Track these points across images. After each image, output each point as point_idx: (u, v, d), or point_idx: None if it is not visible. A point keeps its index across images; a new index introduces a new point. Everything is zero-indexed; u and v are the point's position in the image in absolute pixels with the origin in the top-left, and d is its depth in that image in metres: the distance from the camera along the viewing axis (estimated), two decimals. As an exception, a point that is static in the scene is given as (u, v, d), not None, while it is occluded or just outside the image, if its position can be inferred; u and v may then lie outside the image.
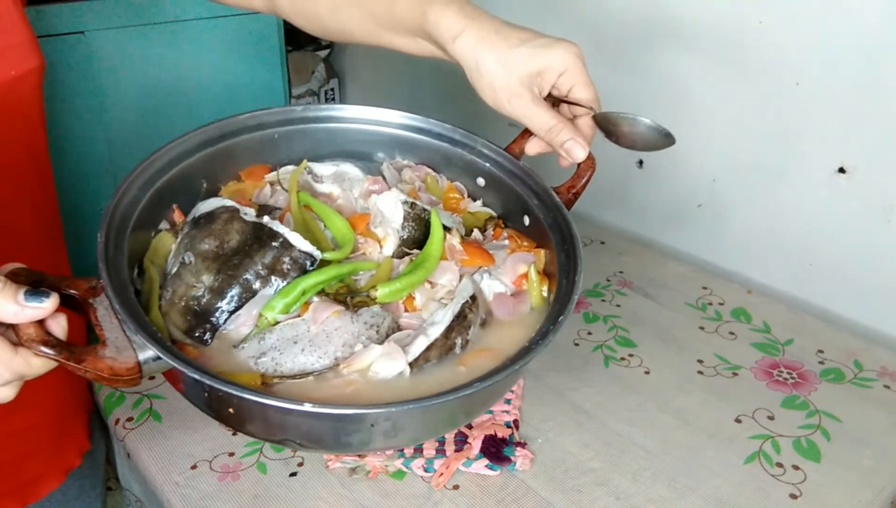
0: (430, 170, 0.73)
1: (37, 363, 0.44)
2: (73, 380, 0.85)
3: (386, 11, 0.68)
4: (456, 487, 0.72)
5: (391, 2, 0.67)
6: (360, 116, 0.72)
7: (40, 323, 0.43)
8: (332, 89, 2.01)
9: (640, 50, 1.19)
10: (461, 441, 0.76)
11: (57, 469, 0.82)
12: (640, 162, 1.25)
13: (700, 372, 0.89)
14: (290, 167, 0.69)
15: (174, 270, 0.57)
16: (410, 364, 0.53)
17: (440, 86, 1.61)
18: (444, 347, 0.55)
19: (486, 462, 0.74)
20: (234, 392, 0.46)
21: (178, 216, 0.62)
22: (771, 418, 0.81)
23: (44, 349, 0.43)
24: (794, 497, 0.71)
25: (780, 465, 0.74)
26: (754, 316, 1.00)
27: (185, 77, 1.67)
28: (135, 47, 1.57)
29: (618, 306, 1.03)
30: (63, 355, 0.43)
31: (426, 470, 0.73)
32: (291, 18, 0.78)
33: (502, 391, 0.58)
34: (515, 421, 0.79)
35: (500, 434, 0.76)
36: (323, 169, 0.69)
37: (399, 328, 0.58)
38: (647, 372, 0.89)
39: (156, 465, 0.76)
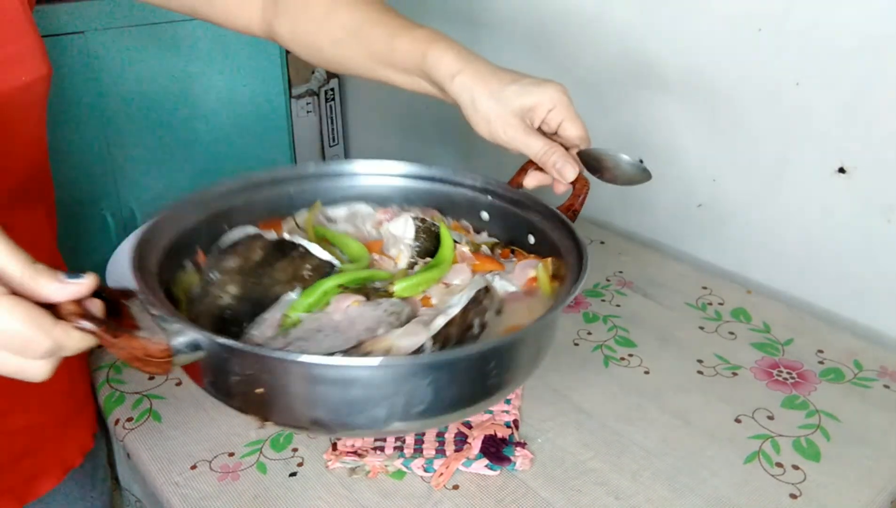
0: (436, 212, 0.77)
1: (76, 336, 0.45)
2: (78, 379, 0.85)
3: (386, 50, 0.73)
4: (456, 487, 0.72)
5: (391, 41, 0.72)
6: (368, 170, 0.77)
7: (79, 302, 0.45)
8: (332, 89, 2.01)
9: (641, 52, 1.19)
10: (461, 441, 0.76)
11: (57, 467, 0.82)
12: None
13: (700, 372, 0.89)
14: (306, 211, 0.74)
15: (200, 289, 0.60)
16: (433, 339, 0.53)
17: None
18: (462, 324, 0.56)
19: (485, 461, 0.74)
20: (267, 354, 0.49)
21: (201, 258, 0.65)
22: (771, 418, 0.81)
23: (83, 322, 0.44)
24: (793, 496, 0.71)
25: (779, 465, 0.75)
26: (754, 316, 1.00)
27: (185, 77, 1.68)
28: (135, 47, 1.58)
29: (618, 306, 1.03)
30: (101, 328, 0.44)
31: (426, 470, 0.73)
32: (290, 47, 0.80)
33: (531, 350, 0.58)
34: (515, 421, 0.79)
35: (499, 434, 0.76)
36: (336, 212, 0.74)
37: None
38: (646, 372, 0.89)
39: (155, 465, 0.76)
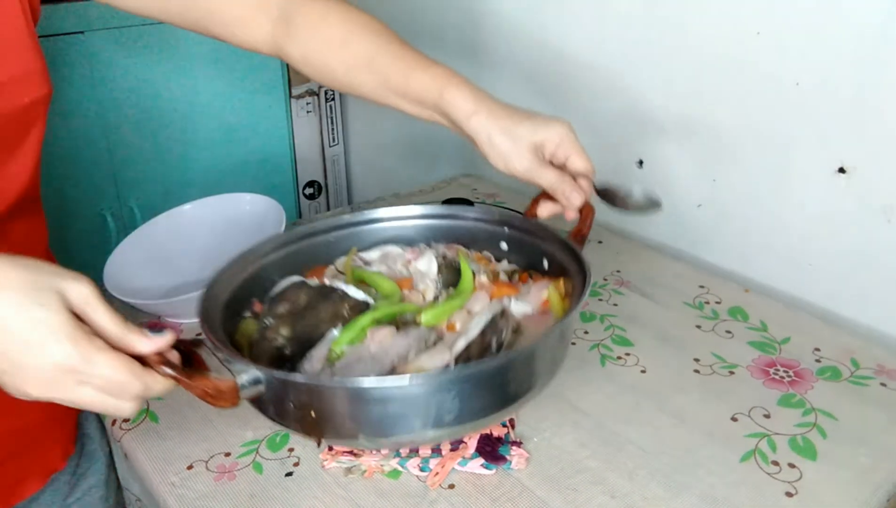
0: (460, 247, 0.85)
1: (160, 380, 0.54)
2: None
3: (401, 83, 0.77)
4: (451, 486, 0.72)
5: (407, 75, 0.76)
6: (395, 215, 0.86)
7: (160, 353, 0.55)
8: (332, 89, 2.02)
9: (642, 50, 1.19)
10: (456, 441, 0.76)
11: (40, 471, 0.82)
12: (641, 162, 1.25)
13: (696, 371, 0.89)
14: (344, 258, 0.84)
15: (258, 334, 0.70)
16: (456, 359, 0.62)
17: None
18: (481, 345, 0.64)
19: (481, 461, 0.74)
20: (314, 383, 0.59)
21: (257, 307, 0.75)
22: (767, 416, 0.81)
23: (165, 368, 0.54)
24: (790, 495, 0.71)
25: (776, 463, 0.74)
26: (751, 315, 1.00)
27: (185, 77, 1.68)
28: (135, 47, 1.58)
29: (615, 305, 1.03)
30: (179, 372, 0.55)
31: (422, 470, 0.73)
32: (299, 68, 0.83)
33: (544, 360, 0.66)
34: (511, 420, 0.79)
35: (495, 433, 0.77)
36: (370, 255, 0.83)
37: None
38: (643, 371, 0.89)
39: (152, 466, 0.76)
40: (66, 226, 1.61)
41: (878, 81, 0.92)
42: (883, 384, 0.86)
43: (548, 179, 0.75)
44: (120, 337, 0.53)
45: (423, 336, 0.66)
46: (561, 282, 0.75)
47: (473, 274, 0.75)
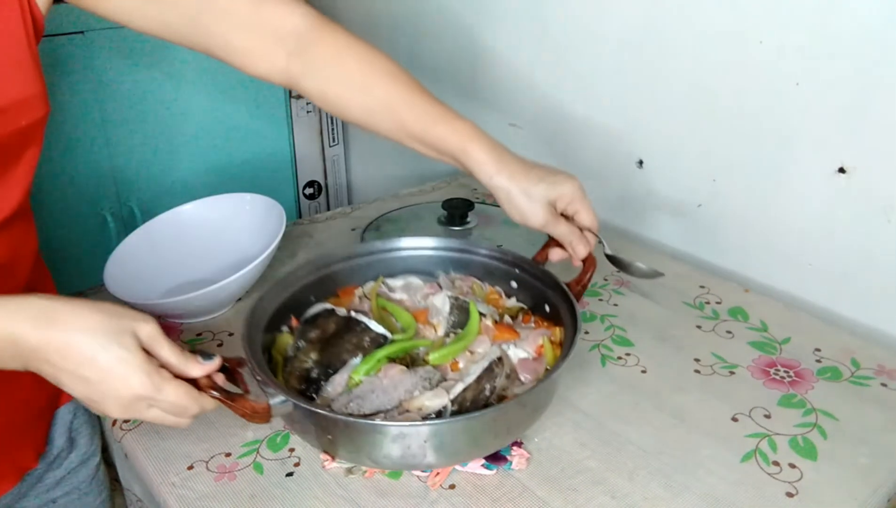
0: (475, 279, 0.93)
1: (209, 401, 0.65)
2: (40, 390, 0.85)
3: (421, 132, 0.82)
4: (452, 486, 0.72)
5: (429, 127, 0.81)
6: (421, 245, 0.95)
7: (209, 376, 0.65)
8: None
9: (644, 51, 1.19)
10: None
11: (12, 470, 0.83)
12: (641, 162, 1.25)
13: (697, 371, 0.89)
14: (372, 283, 0.93)
15: (292, 354, 0.79)
16: (452, 401, 0.71)
17: (438, 87, 1.61)
18: (476, 390, 0.72)
19: (482, 461, 0.74)
20: (324, 413, 0.68)
21: (294, 323, 0.84)
22: (768, 416, 0.81)
23: (214, 392, 0.65)
24: (790, 495, 0.71)
25: (776, 463, 0.74)
26: (751, 315, 1.00)
27: (185, 77, 1.68)
28: (134, 47, 1.58)
29: (615, 305, 1.03)
30: (225, 396, 0.65)
31: (422, 470, 0.73)
32: (314, 101, 0.85)
33: (526, 410, 0.74)
34: (512, 421, 0.79)
35: (496, 434, 0.77)
36: (395, 282, 0.93)
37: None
38: (643, 371, 0.89)
39: (152, 466, 0.76)
40: (66, 226, 1.61)
41: (878, 81, 0.92)
42: (883, 385, 0.86)
43: (560, 232, 0.84)
44: (180, 366, 0.63)
45: (427, 376, 0.74)
46: (557, 330, 0.83)
47: (481, 316, 0.83)
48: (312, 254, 1.11)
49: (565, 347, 0.76)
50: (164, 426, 0.68)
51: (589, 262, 0.86)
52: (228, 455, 0.77)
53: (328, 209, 2.08)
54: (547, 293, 0.86)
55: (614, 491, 0.71)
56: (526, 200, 0.81)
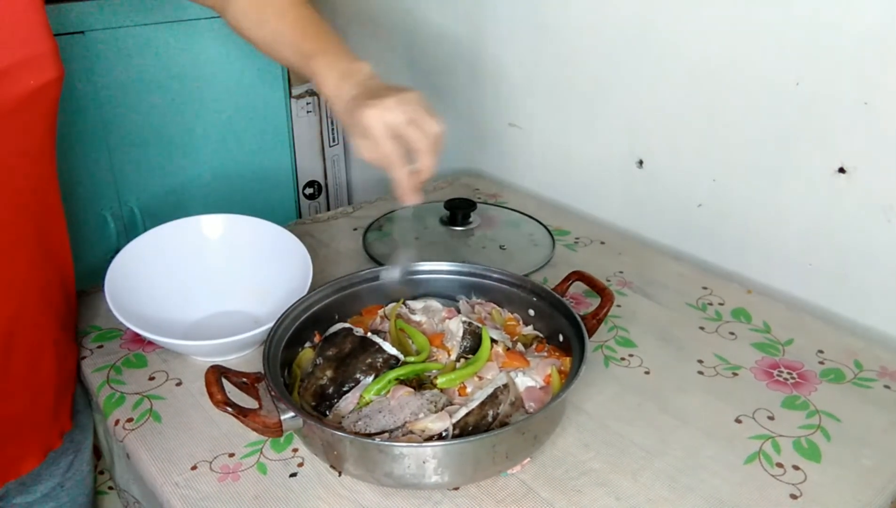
0: (494, 305, 0.94)
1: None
2: (65, 365, 0.87)
3: (300, 69, 0.85)
4: (456, 488, 0.72)
5: (302, 63, 0.84)
6: (443, 269, 0.96)
7: (223, 393, 0.70)
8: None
9: (644, 51, 1.19)
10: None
11: (38, 448, 0.84)
12: (641, 162, 1.25)
13: (700, 372, 0.89)
14: (394, 304, 0.94)
15: (310, 370, 0.82)
16: (454, 426, 0.72)
17: (438, 87, 1.61)
18: (479, 415, 0.73)
19: (485, 462, 0.74)
20: (335, 433, 0.70)
21: (317, 338, 0.87)
22: (771, 418, 0.81)
23: (227, 408, 0.68)
24: (794, 497, 0.71)
25: (780, 465, 0.75)
26: (754, 316, 1.00)
27: (185, 77, 1.67)
28: (135, 47, 1.57)
29: (618, 306, 1.03)
30: (238, 411, 0.69)
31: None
32: (235, 32, 0.90)
33: (526, 437, 0.74)
34: (515, 422, 0.79)
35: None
36: (416, 304, 0.95)
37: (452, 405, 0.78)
38: (646, 372, 0.89)
39: (155, 466, 0.76)
40: (66, 226, 1.61)
41: (878, 82, 0.92)
42: (886, 387, 0.86)
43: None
44: None
45: (434, 399, 0.76)
46: (567, 360, 0.83)
47: (492, 343, 0.84)
48: (316, 255, 1.08)
49: (568, 378, 0.76)
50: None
51: (606, 296, 0.86)
52: (232, 455, 0.77)
53: (328, 209, 2.08)
54: (562, 323, 0.86)
55: (618, 493, 0.71)
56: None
